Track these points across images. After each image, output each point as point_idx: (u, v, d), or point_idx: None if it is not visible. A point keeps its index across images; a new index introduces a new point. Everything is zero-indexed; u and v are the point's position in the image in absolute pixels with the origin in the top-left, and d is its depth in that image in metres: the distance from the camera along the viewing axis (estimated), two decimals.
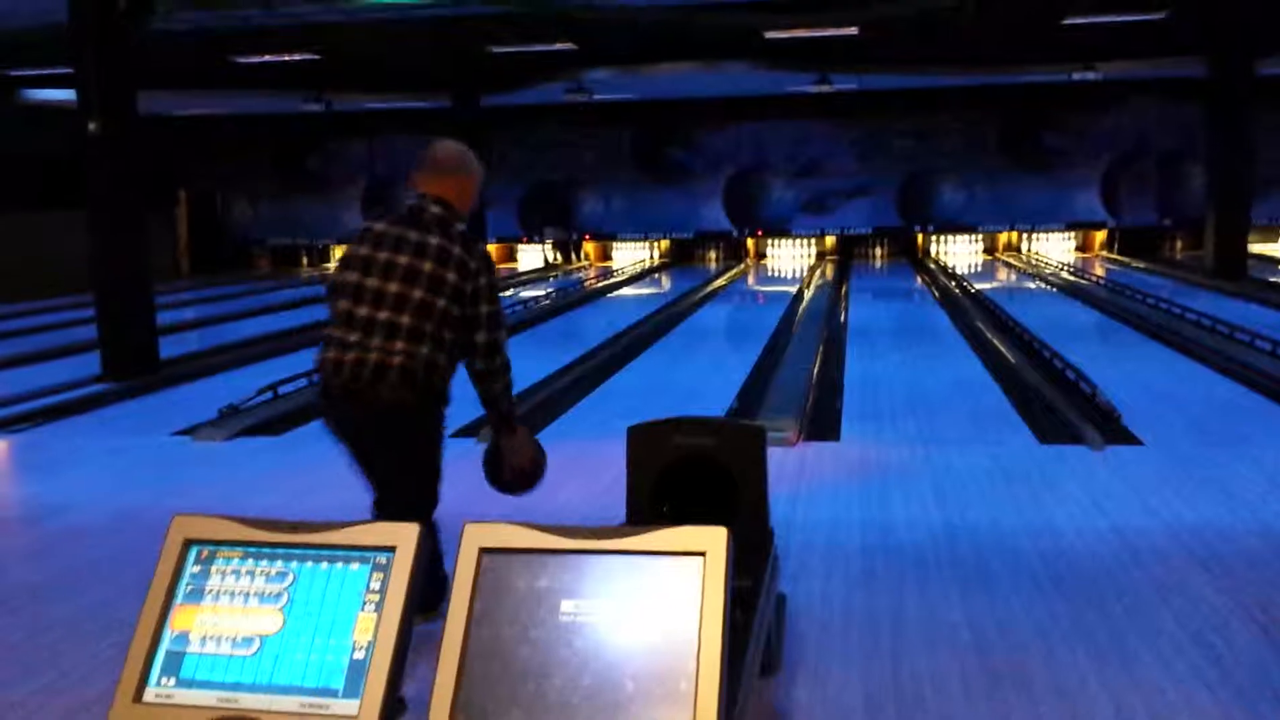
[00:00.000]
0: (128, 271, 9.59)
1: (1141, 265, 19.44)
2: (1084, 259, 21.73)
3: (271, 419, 7.67)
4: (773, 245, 23.41)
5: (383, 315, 3.42)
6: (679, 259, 23.50)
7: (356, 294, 3.47)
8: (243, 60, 16.12)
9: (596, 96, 18.93)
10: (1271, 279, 15.91)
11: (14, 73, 17.08)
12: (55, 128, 16.93)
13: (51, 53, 13.68)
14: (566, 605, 1.52)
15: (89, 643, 3.80)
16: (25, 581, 4.57)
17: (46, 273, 18.18)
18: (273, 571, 1.53)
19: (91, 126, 9.24)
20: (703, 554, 1.52)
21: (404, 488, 3.62)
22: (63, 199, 16.20)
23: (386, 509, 3.63)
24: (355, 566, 1.52)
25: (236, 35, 14.13)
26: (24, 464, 6.81)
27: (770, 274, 21.15)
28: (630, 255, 23.91)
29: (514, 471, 3.86)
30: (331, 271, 3.82)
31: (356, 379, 3.42)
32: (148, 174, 10.34)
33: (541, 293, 17.06)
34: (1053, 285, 17.00)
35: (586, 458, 6.31)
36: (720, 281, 19.09)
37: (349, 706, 1.43)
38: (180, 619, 1.52)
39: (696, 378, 9.62)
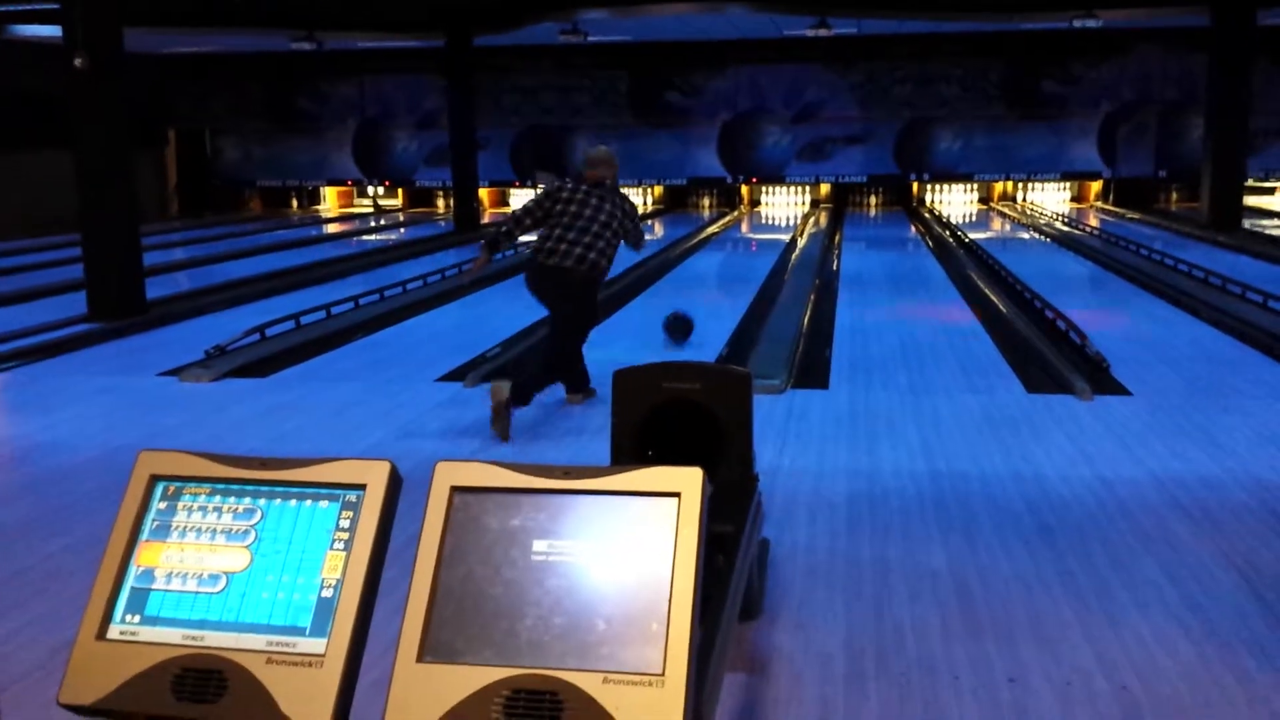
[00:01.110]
0: (114, 211, 9.48)
1: (1136, 216, 19.38)
2: (1079, 209, 21.65)
3: (258, 360, 7.63)
4: (767, 193, 23.26)
5: (595, 229, 6.11)
6: (672, 205, 23.37)
7: (576, 217, 6.13)
8: None
9: (591, 38, 18.68)
10: (1268, 231, 15.87)
11: (1, 8, 16.79)
12: (42, 64, 16.69)
13: None
14: (539, 545, 1.50)
15: (74, 580, 3.80)
16: (11, 519, 4.55)
17: (33, 212, 18.02)
18: (240, 509, 1.50)
19: (77, 62, 9.08)
20: (678, 495, 1.49)
21: (579, 319, 6.31)
22: (50, 137, 16.02)
23: (560, 331, 6.30)
24: (324, 504, 1.49)
25: None
26: (10, 403, 6.78)
27: (764, 221, 21.04)
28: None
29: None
30: (549, 200, 6.24)
31: (580, 261, 6.06)
32: (136, 113, 10.19)
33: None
34: (1047, 236, 16.94)
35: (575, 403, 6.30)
36: (713, 229, 18.99)
37: (316, 645, 1.40)
38: (146, 555, 1.50)
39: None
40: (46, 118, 16.33)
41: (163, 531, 1.51)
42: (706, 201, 23.43)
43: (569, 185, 6.28)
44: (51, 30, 14.66)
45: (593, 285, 6.21)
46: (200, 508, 1.52)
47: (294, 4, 16.29)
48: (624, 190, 6.61)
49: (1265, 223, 17.28)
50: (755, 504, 3.40)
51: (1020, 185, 22.97)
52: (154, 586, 1.48)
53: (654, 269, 13.14)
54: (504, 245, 6.69)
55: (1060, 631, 3.34)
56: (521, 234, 6.44)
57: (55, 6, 9.92)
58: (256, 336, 8.16)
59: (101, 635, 1.46)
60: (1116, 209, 21.16)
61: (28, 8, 16.26)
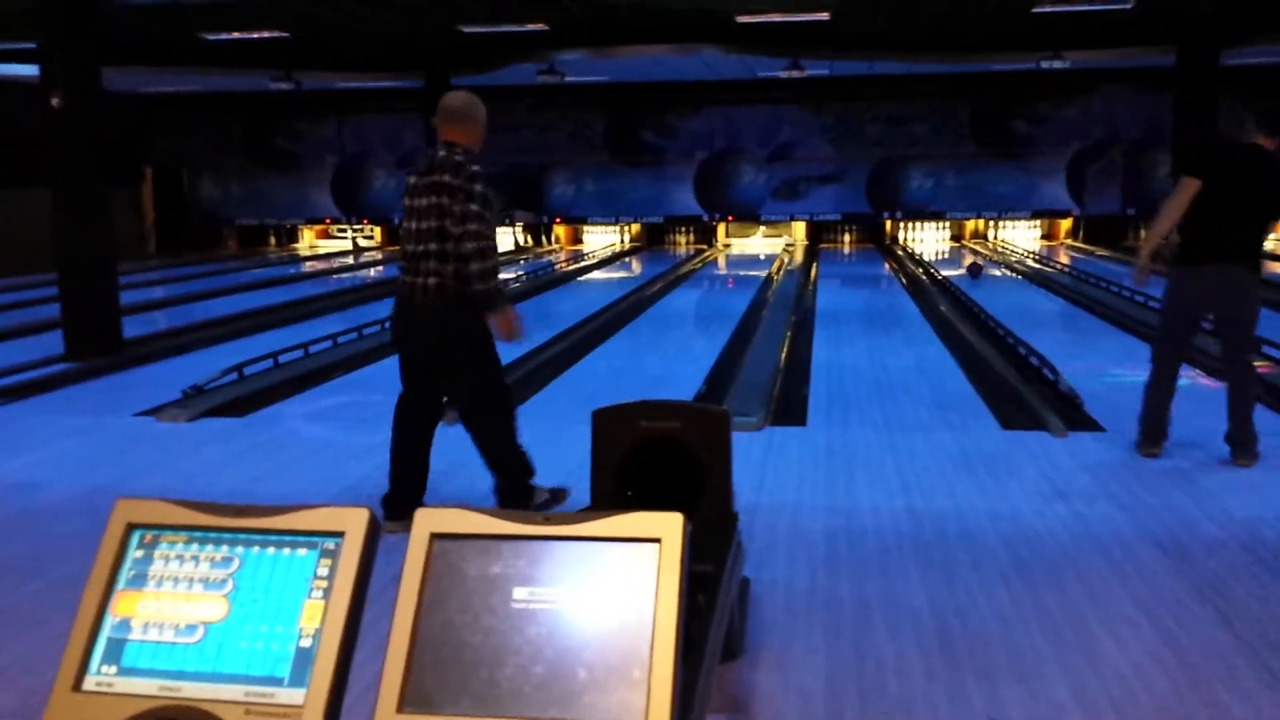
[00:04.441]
0: (91, 249, 9.45)
1: (1105, 253, 19.59)
2: (1049, 247, 21.88)
3: (236, 400, 7.59)
4: (738, 238, 23.41)
5: (423, 231, 4.45)
6: (650, 243, 23.47)
7: (410, 218, 4.53)
8: (211, 37, 15.90)
9: (568, 79, 18.83)
10: None
11: None
12: (18, 102, 16.63)
13: (15, 26, 13.45)
14: (519, 592, 1.50)
15: (49, 624, 3.75)
16: None
17: (9, 250, 17.90)
18: (218, 557, 1.50)
19: (54, 101, 9.08)
20: (658, 540, 1.50)
21: (473, 396, 4.70)
22: (27, 175, 15.95)
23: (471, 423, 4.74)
24: (303, 552, 1.49)
25: (204, 11, 13.92)
26: None
27: (740, 259, 21.15)
28: (601, 239, 23.86)
29: None
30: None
31: (418, 291, 4.48)
32: (113, 151, 10.20)
33: (511, 275, 16.99)
34: (1018, 273, 17.10)
35: (554, 441, 6.29)
36: (690, 266, 19.08)
37: (295, 695, 1.40)
38: (122, 605, 1.49)
39: (665, 362, 9.62)
40: (23, 156, 16.27)
41: (139, 580, 1.50)
42: (683, 239, 23.56)
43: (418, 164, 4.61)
44: (29, 69, 14.65)
45: (453, 325, 4.46)
46: (178, 556, 1.51)
47: (273, 45, 16.35)
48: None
49: None
50: (735, 543, 3.41)
51: (992, 223, 23.21)
52: (130, 637, 1.47)
53: (631, 306, 13.18)
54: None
55: (1038, 668, 3.35)
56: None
57: (33, 46, 9.93)
58: (234, 375, 8.13)
59: (77, 686, 1.45)
60: (1086, 246, 21.40)
61: (4, 46, 16.25)
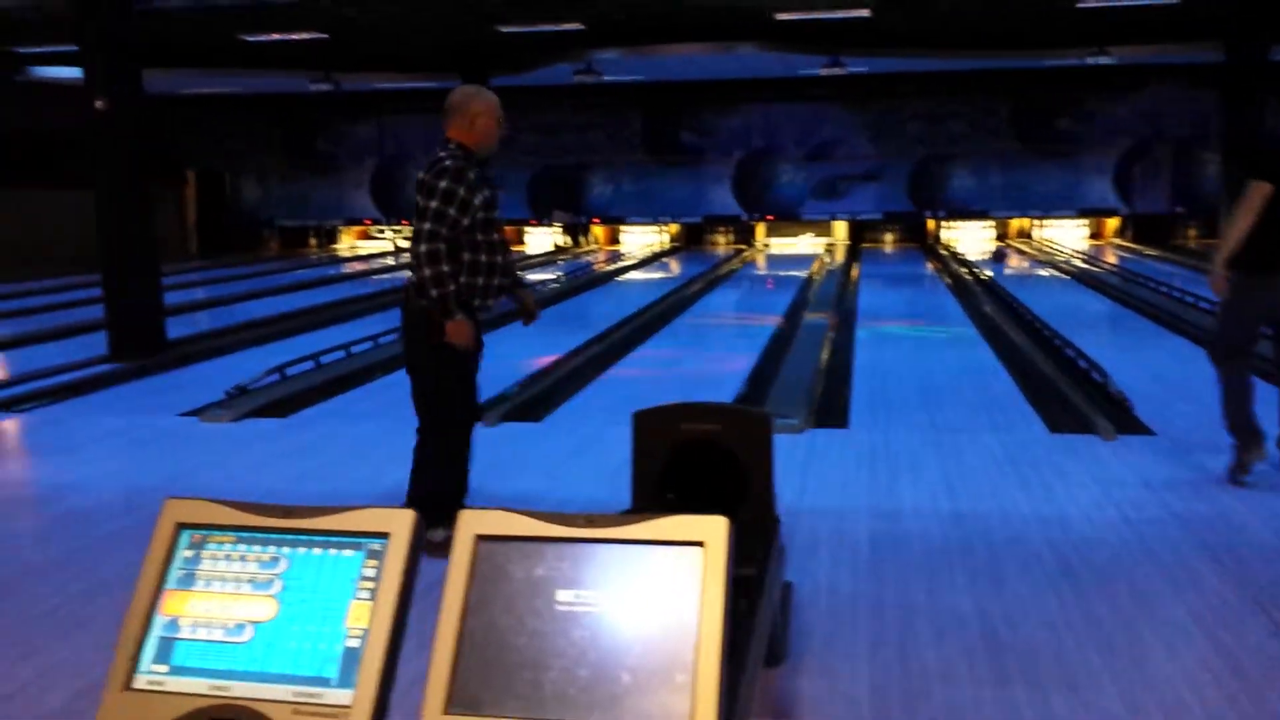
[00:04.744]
0: (135, 251, 9.56)
1: (1155, 253, 19.32)
2: (1097, 246, 21.62)
3: (279, 400, 7.65)
4: (777, 236, 23.32)
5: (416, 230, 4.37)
6: (688, 243, 23.44)
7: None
8: (251, 39, 16.07)
9: (606, 78, 18.85)
10: None
11: (21, 50, 17.05)
12: (63, 105, 16.90)
13: (59, 29, 13.66)
14: (563, 595, 1.49)
15: (96, 623, 3.79)
16: (33, 562, 4.55)
17: (55, 251, 18.20)
18: (266, 557, 1.50)
19: (98, 104, 9.20)
20: (702, 544, 1.48)
21: (425, 394, 4.49)
22: (71, 177, 16.20)
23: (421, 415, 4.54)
24: (349, 553, 1.48)
25: (244, 13, 14.07)
26: (31, 444, 6.81)
27: (779, 258, 21.07)
28: (639, 239, 23.86)
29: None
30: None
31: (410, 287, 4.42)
32: (155, 153, 10.32)
33: (550, 276, 17.02)
34: (1064, 273, 16.90)
35: (593, 443, 6.29)
36: (729, 266, 19.03)
37: (343, 696, 1.39)
38: (171, 604, 1.49)
39: (705, 364, 9.59)
40: (68, 158, 16.53)
41: (188, 580, 1.50)
42: (722, 238, 23.51)
43: None
44: (73, 72, 14.89)
45: (418, 329, 4.37)
46: (226, 556, 1.51)
47: (312, 46, 16.49)
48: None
49: None
50: (777, 546, 3.37)
51: (1037, 222, 22.97)
52: (180, 636, 1.47)
53: (670, 307, 13.16)
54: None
55: (1088, 676, 3.29)
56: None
57: (75, 49, 10.07)
58: (277, 376, 8.19)
59: (128, 685, 1.45)
60: (1135, 245, 21.12)
61: (49, 50, 16.52)
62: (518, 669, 1.44)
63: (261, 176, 24.05)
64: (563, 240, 24.01)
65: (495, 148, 4.54)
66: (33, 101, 18.49)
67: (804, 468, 5.69)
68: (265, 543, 1.51)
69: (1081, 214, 22.35)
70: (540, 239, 23.91)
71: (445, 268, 4.25)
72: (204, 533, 1.54)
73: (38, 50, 16.86)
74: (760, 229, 23.31)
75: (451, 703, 1.43)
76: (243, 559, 1.50)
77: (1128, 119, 21.36)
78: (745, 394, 7.81)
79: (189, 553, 1.53)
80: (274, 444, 6.56)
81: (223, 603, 1.48)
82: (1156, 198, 21.56)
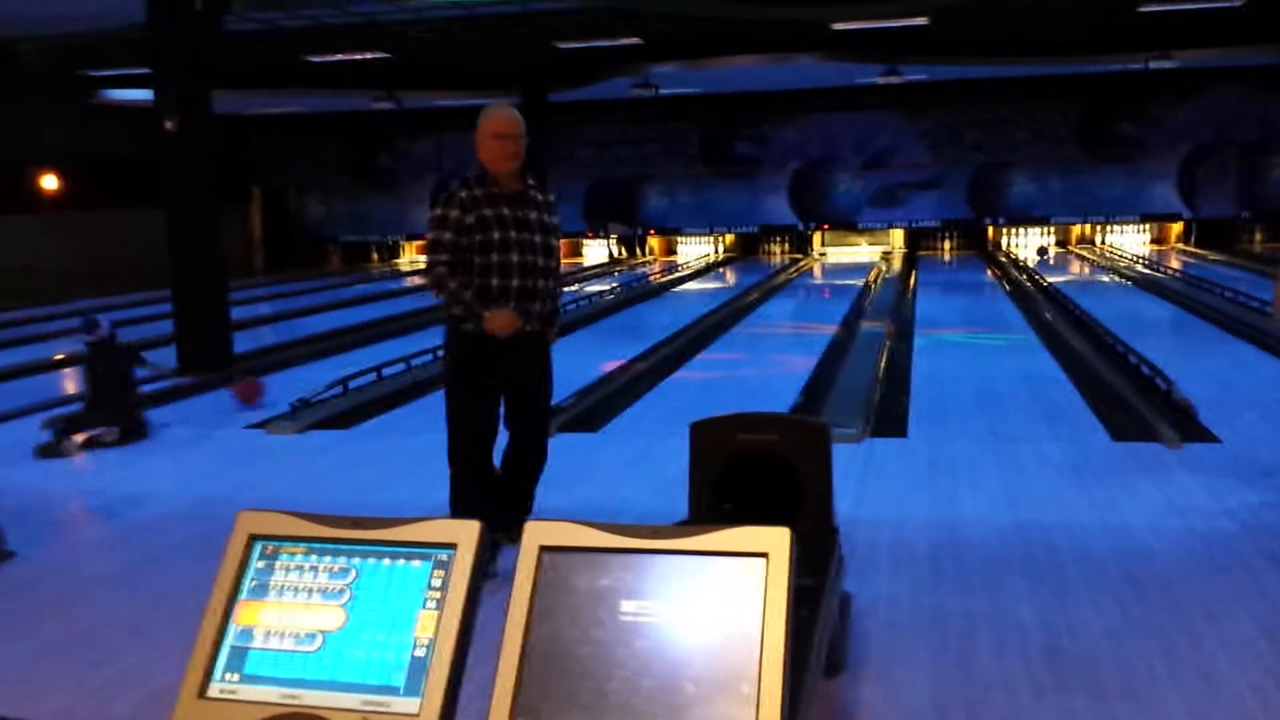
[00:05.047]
0: (204, 268, 9.78)
1: (1219, 258, 18.95)
2: (1159, 251, 21.25)
3: (342, 412, 7.78)
4: (833, 245, 23.21)
5: None
6: (744, 253, 23.41)
7: None
8: (315, 59, 16.36)
9: (663, 91, 18.92)
10: None
11: (95, 73, 17.52)
12: (133, 127, 17.33)
13: (130, 54, 14.02)
14: (627, 605, 1.51)
15: (163, 632, 3.88)
16: (103, 572, 4.68)
17: (125, 268, 18.64)
18: (336, 568, 1.54)
19: (167, 125, 9.43)
20: (765, 555, 1.49)
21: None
22: (141, 197, 16.60)
23: None
24: (417, 564, 1.52)
25: (309, 35, 14.34)
26: (101, 457, 6.98)
27: (836, 267, 20.97)
28: (695, 250, 23.87)
29: None
30: None
31: None
32: (222, 171, 10.56)
33: (606, 287, 17.09)
34: (1127, 279, 16.63)
35: (649, 453, 6.32)
36: (785, 275, 18.97)
37: (410, 705, 1.43)
38: (244, 614, 1.53)
39: (761, 373, 9.58)
40: (138, 178, 16.94)
41: (261, 590, 1.55)
42: (778, 248, 23.45)
43: None
44: (143, 95, 15.26)
45: (447, 346, 4.58)
46: (297, 567, 1.55)
47: (374, 65, 16.75)
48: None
49: None
50: (836, 557, 3.37)
51: (1099, 228, 22.62)
52: (253, 645, 1.51)
53: (726, 317, 13.16)
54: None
55: (1152, 687, 3.25)
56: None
57: (146, 72, 10.33)
58: (340, 389, 8.32)
59: (202, 693, 1.50)
60: (1198, 250, 20.72)
61: (121, 73, 16.96)
62: (581, 679, 1.47)
63: (325, 193, 24.44)
64: (618, 252, 24.09)
65: (513, 166, 4.32)
66: (105, 124, 18.98)
67: (862, 477, 5.67)
68: (335, 554, 1.55)
69: (1144, 219, 21.98)
70: (596, 251, 24.02)
71: (452, 284, 4.30)
72: (276, 544, 1.58)
73: (111, 73, 17.32)
74: (817, 238, 23.22)
75: (516, 712, 1.46)
76: (313, 569, 1.55)
77: (1191, 123, 20.97)
78: (801, 404, 7.79)
79: (261, 563, 1.57)
80: (337, 455, 6.67)
81: (294, 612, 1.52)
82: (1221, 202, 21.14)
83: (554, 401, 7.14)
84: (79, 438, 6.88)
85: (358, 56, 16.09)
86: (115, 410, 7.04)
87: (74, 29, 13.10)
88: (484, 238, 4.26)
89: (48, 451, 6.74)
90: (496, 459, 4.62)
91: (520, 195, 4.36)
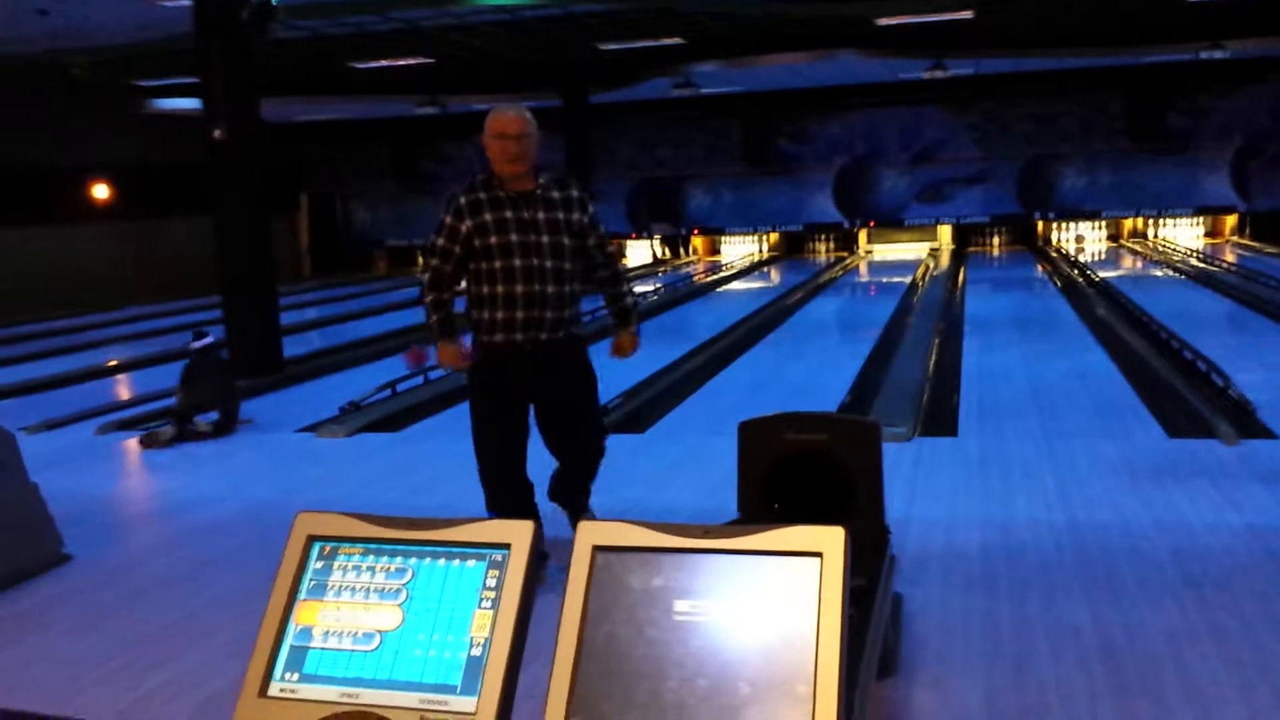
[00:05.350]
0: (253, 274, 9.90)
1: (1275, 250, 18.59)
2: (1214, 245, 20.89)
3: (390, 415, 7.84)
4: (880, 242, 23.04)
5: None
6: (788, 251, 23.31)
7: None
8: (359, 66, 16.52)
9: (705, 90, 18.89)
10: None
11: (144, 83, 17.82)
12: (183, 135, 17.61)
13: (179, 64, 14.23)
14: (681, 605, 1.50)
15: (219, 634, 3.93)
16: (159, 574, 4.75)
17: (177, 275, 18.93)
18: (392, 568, 1.55)
19: (216, 134, 9.56)
20: (820, 555, 1.48)
21: None
22: (192, 204, 16.85)
23: None
24: (472, 564, 1.52)
25: (353, 41, 14.48)
26: (157, 460, 7.09)
27: (882, 265, 20.82)
28: (739, 249, 23.82)
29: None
30: None
31: None
32: (271, 178, 10.70)
33: (650, 288, 17.10)
34: (1181, 273, 16.37)
35: (696, 453, 6.31)
36: (831, 274, 18.88)
37: (467, 704, 1.43)
38: (303, 614, 1.55)
39: (807, 372, 9.53)
40: (188, 186, 17.20)
41: (319, 590, 1.56)
42: (823, 246, 23.33)
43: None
44: (192, 104, 15.50)
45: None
46: (354, 567, 1.57)
47: (418, 70, 16.89)
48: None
49: None
50: (887, 558, 3.35)
51: (1151, 221, 22.27)
52: (312, 644, 1.53)
53: (771, 316, 13.11)
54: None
55: (1213, 689, 3.19)
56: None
57: (195, 81, 10.48)
58: (388, 392, 8.39)
59: (263, 693, 1.52)
60: (1254, 243, 20.34)
61: (170, 82, 17.23)
62: (637, 679, 1.47)
63: (370, 198, 24.66)
64: (662, 252, 24.09)
65: (517, 167, 4.10)
66: (155, 132, 19.29)
67: (912, 477, 5.63)
68: (392, 554, 1.57)
69: (1198, 212, 21.61)
70: (640, 251, 24.03)
71: (429, 296, 4.21)
72: (333, 544, 1.60)
73: (160, 83, 17.61)
74: (863, 235, 23.07)
75: (571, 712, 1.46)
76: (370, 570, 1.56)
77: (1244, 113, 20.59)
78: (849, 402, 7.74)
79: (319, 564, 1.59)
80: (387, 457, 6.73)
81: (352, 612, 1.53)
82: (1277, 193, 20.73)
83: (601, 402, 7.08)
84: (169, 431, 7.31)
85: (401, 62, 16.22)
86: (214, 402, 7.55)
87: (124, 40, 13.32)
88: (482, 243, 4.08)
89: (150, 441, 7.24)
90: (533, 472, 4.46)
91: (527, 195, 4.13)
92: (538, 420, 4.43)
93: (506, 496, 4.34)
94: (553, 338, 4.17)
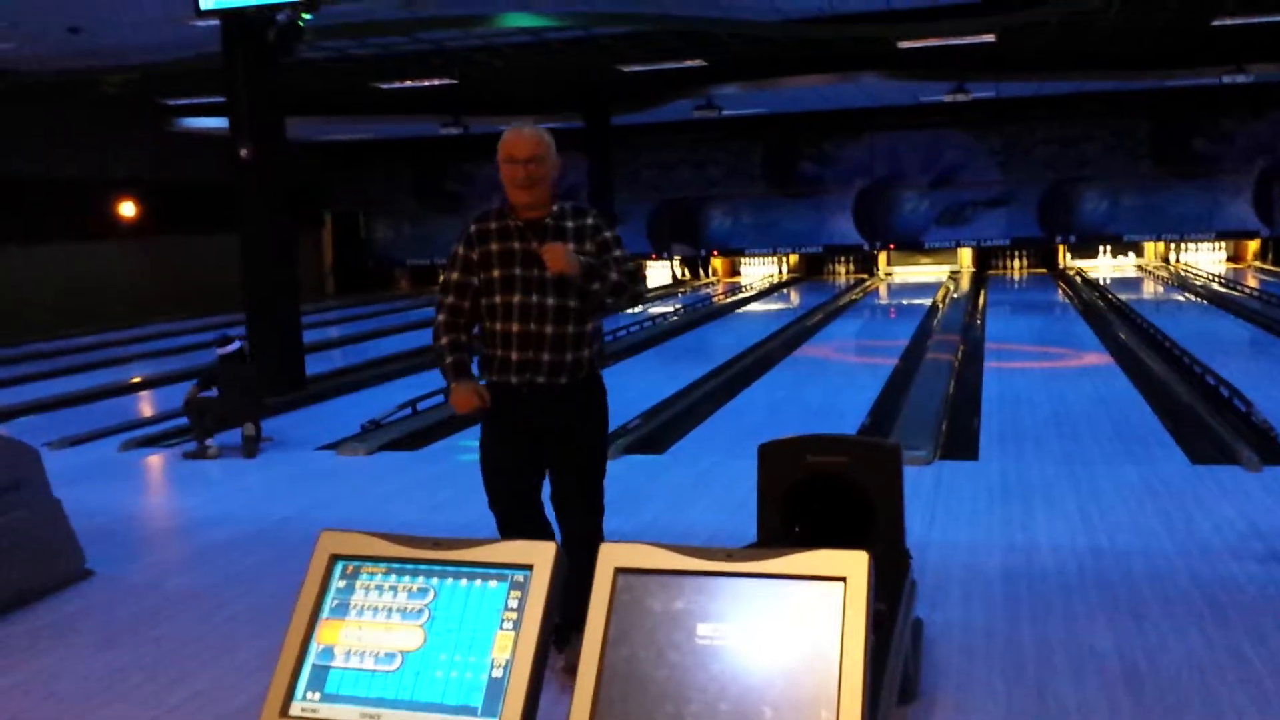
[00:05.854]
0: (277, 292, 9.96)
1: None
2: (1236, 270, 20.76)
3: (411, 434, 7.86)
4: (900, 265, 23.00)
5: None
6: (808, 273, 23.29)
7: None
8: (384, 86, 16.64)
9: (726, 112, 18.94)
10: None
11: (171, 102, 18.00)
12: (209, 154, 17.78)
13: (206, 83, 14.38)
14: (703, 628, 1.51)
15: (239, 652, 3.94)
16: (180, 591, 4.76)
17: (200, 293, 19.07)
18: (414, 588, 1.56)
19: (242, 153, 9.64)
20: (843, 579, 1.48)
21: None
22: (216, 222, 17.00)
23: None
24: (494, 584, 1.53)
25: (378, 62, 14.60)
26: (178, 477, 7.13)
27: (902, 287, 20.78)
28: (758, 270, 23.81)
29: None
30: None
31: None
32: (295, 197, 10.79)
33: (670, 309, 17.11)
34: (1203, 297, 16.27)
35: (716, 475, 6.30)
36: (850, 296, 18.84)
37: None
38: (326, 633, 1.56)
39: (827, 395, 9.51)
40: (213, 204, 17.33)
41: (342, 610, 1.58)
42: (843, 269, 23.31)
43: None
44: (219, 123, 15.65)
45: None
46: (377, 587, 1.58)
47: (441, 91, 17.00)
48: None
49: None
50: (908, 582, 3.33)
51: (1173, 246, 22.16)
52: (334, 664, 1.54)
53: (791, 338, 13.09)
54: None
55: (1235, 716, 3.16)
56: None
57: (222, 100, 10.57)
58: (409, 410, 8.41)
59: (284, 712, 1.53)
60: (1276, 268, 20.21)
61: (196, 101, 17.41)
62: (659, 701, 1.47)
63: (393, 217, 24.80)
64: (682, 273, 24.10)
65: (527, 196, 3.75)
66: (181, 151, 19.47)
67: (932, 500, 5.60)
68: (414, 574, 1.58)
69: (1220, 236, 21.49)
70: (660, 272, 24.07)
71: (444, 338, 3.81)
72: (357, 564, 1.61)
73: (187, 102, 17.79)
74: (883, 258, 23.03)
75: None
76: (393, 589, 1.57)
77: (1267, 138, 20.49)
78: (869, 425, 7.72)
79: (342, 583, 1.60)
80: (407, 476, 6.74)
81: (374, 632, 1.54)
82: None
83: (620, 423, 6.85)
84: (213, 446, 7.38)
85: (425, 83, 16.34)
86: (240, 416, 7.57)
87: (153, 59, 13.47)
88: (485, 276, 3.73)
89: (196, 455, 7.35)
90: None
91: (536, 225, 3.73)
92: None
93: (512, 536, 3.72)
94: (552, 382, 3.70)
